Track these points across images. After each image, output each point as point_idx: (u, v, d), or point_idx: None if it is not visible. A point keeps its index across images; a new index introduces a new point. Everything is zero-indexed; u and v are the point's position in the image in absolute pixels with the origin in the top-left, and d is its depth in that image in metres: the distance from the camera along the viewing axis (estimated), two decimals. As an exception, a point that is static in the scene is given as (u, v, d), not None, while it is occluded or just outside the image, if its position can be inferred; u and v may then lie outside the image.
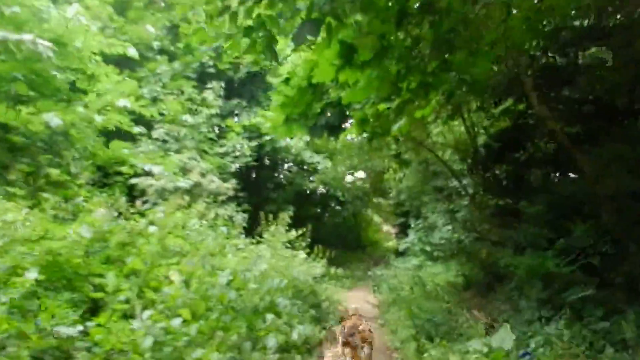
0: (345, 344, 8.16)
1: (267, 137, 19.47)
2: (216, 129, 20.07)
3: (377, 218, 34.69)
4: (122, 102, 11.60)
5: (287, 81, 9.40)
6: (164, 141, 16.72)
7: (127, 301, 5.99)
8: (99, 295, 5.91)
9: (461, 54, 6.54)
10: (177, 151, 16.38)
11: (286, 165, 23.79)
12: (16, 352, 4.24)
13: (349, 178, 24.11)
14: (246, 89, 22.11)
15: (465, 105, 12.65)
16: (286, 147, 20.29)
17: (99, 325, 5.25)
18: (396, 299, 14.21)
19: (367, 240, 32.40)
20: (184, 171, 15.39)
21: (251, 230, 12.82)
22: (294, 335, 8.51)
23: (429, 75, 6.79)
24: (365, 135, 9.91)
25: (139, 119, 14.08)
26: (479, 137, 14.19)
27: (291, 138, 15.22)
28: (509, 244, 11.78)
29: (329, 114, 9.32)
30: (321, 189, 25.56)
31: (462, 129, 14.86)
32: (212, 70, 20.39)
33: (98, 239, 6.95)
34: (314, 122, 9.38)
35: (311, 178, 22.78)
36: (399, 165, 13.60)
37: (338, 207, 27.97)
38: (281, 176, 23.03)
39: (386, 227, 36.78)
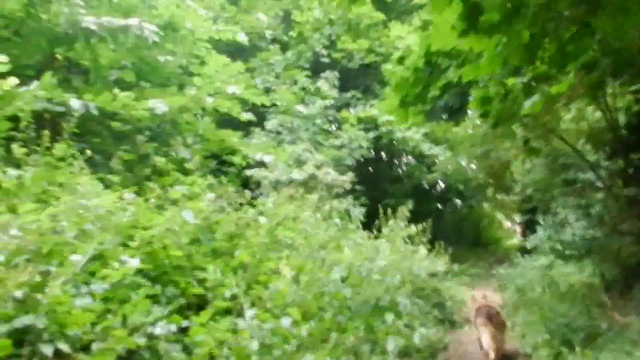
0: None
1: (384, 129, 18.65)
2: (331, 121, 19.44)
3: (498, 215, 33.11)
4: (231, 89, 11.24)
5: (401, 60, 8.55)
6: (278, 132, 16.34)
7: (233, 298, 5.42)
8: (200, 290, 5.36)
9: (608, 12, 5.38)
10: (291, 143, 15.95)
11: (404, 159, 22.83)
12: (102, 350, 3.70)
13: (469, 170, 22.74)
14: (361, 80, 21.41)
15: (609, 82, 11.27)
16: (403, 139, 19.31)
17: (199, 324, 4.70)
18: (525, 300, 12.92)
19: (488, 238, 30.87)
20: (299, 163, 14.90)
21: (369, 224, 12.13)
22: (416, 339, 7.67)
23: (567, 42, 5.72)
24: (487, 120, 8.92)
25: (251, 110, 13.74)
26: (619, 117, 12.70)
27: (407, 126, 14.23)
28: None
29: (448, 96, 8.36)
30: (440, 183, 24.39)
31: (597, 114, 13.47)
32: (326, 60, 19.87)
33: (204, 228, 6.44)
34: (432, 106, 8.43)
35: (431, 170, 21.63)
36: (527, 155, 12.20)
37: (458, 202, 26.68)
38: (399, 169, 22.07)
39: (508, 224, 35.15)
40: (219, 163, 12.24)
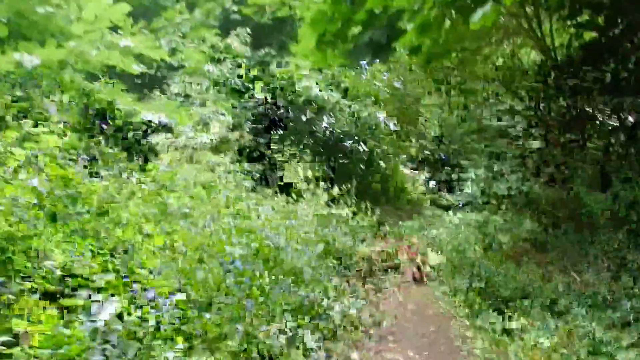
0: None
1: (299, 86, 17.34)
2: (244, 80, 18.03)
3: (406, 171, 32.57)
4: (123, 42, 9.76)
5: (318, -9, 7.35)
6: (186, 96, 14.87)
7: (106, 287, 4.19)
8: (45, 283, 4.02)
9: None
10: (201, 105, 14.52)
11: (325, 120, 21.52)
12: None
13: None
14: (275, 36, 20.04)
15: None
16: (322, 97, 18.09)
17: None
18: (462, 260, 12.01)
19: (406, 195, 30.17)
20: (209, 126, 13.55)
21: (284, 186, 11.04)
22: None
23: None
24: (418, 57, 7.87)
25: (155, 71, 12.30)
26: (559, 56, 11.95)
27: (327, 67, 12.96)
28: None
29: (372, 31, 7.17)
30: (363, 145, 23.39)
31: (532, 56, 12.70)
32: (236, 16, 18.39)
33: (66, 198, 5.04)
34: (355, 43, 7.26)
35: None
36: (462, 97, 11.23)
37: (380, 159, 25.74)
38: (315, 127, 20.71)
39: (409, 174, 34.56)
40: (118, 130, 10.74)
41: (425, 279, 10.47)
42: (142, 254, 5.02)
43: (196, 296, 4.57)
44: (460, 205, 17.47)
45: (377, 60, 6.88)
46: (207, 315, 4.28)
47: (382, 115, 19.89)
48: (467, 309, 8.53)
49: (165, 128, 11.88)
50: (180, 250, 5.28)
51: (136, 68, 10.91)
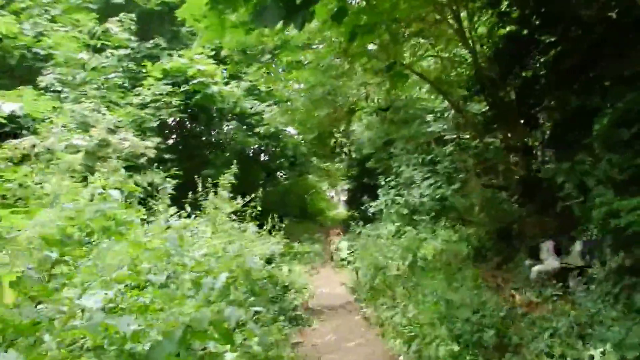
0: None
1: (195, 81, 15.21)
2: (129, 74, 15.63)
3: (323, 184, 31.87)
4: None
5: None
6: (55, 91, 12.44)
7: None
8: None
9: None
10: (74, 101, 12.14)
11: (226, 124, 19.45)
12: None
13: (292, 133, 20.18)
14: (166, 27, 17.80)
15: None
16: (220, 93, 16.02)
17: None
18: (385, 280, 10.40)
19: (314, 209, 28.96)
20: (85, 126, 11.25)
21: (180, 200, 9.05)
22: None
23: None
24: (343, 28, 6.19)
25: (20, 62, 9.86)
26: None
27: (226, 43, 11.00)
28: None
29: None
30: (269, 150, 21.58)
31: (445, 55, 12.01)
32: (119, 0, 16.03)
33: None
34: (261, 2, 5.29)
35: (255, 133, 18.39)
36: (391, 82, 9.58)
37: (285, 172, 24.13)
38: (220, 134, 18.51)
39: (331, 194, 33.96)
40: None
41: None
42: None
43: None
44: (372, 215, 16.10)
45: (292, 24, 4.83)
46: None
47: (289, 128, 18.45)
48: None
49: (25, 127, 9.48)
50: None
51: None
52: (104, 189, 6.73)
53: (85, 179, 8.04)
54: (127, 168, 11.67)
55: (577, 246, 7.93)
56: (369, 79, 12.39)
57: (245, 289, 7.53)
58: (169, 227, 7.21)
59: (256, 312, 7.37)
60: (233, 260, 7.50)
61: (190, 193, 9.37)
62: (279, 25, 4.70)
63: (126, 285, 4.33)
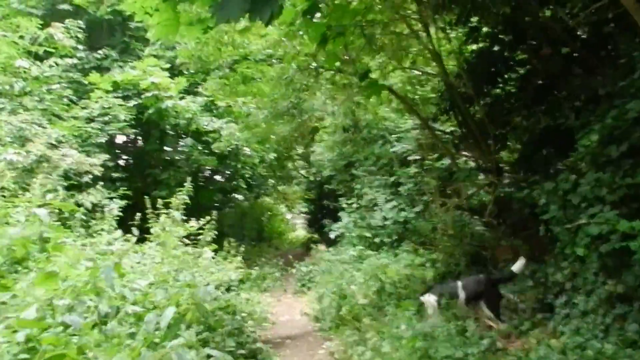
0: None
1: (149, 94, 14.27)
2: (74, 86, 14.60)
3: (280, 207, 31.43)
4: None
5: None
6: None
7: None
8: None
9: None
10: (9, 112, 11.07)
11: (181, 142, 18.46)
12: None
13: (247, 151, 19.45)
14: (118, 37, 16.81)
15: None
16: (175, 107, 15.10)
17: None
18: (352, 309, 9.58)
19: (271, 232, 28.29)
20: (22, 140, 10.24)
21: (126, 221, 8.25)
22: None
23: None
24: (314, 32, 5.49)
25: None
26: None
27: (182, 39, 10.17)
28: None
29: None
30: (226, 170, 20.71)
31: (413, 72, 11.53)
32: (66, 6, 15.02)
33: None
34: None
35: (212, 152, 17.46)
36: (366, 93, 8.85)
37: (242, 193, 23.33)
38: (169, 149, 17.50)
39: (288, 217, 33.51)
40: None
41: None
42: None
43: None
44: (333, 238, 15.60)
45: (258, 18, 3.98)
46: None
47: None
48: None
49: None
50: None
51: None
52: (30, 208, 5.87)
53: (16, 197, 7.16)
54: (69, 187, 10.78)
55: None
56: (335, 93, 11.74)
57: (197, 324, 6.72)
58: (110, 253, 6.39)
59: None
60: (184, 290, 6.69)
61: (139, 214, 8.54)
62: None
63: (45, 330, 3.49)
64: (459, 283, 7.98)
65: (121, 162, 16.40)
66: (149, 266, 7.42)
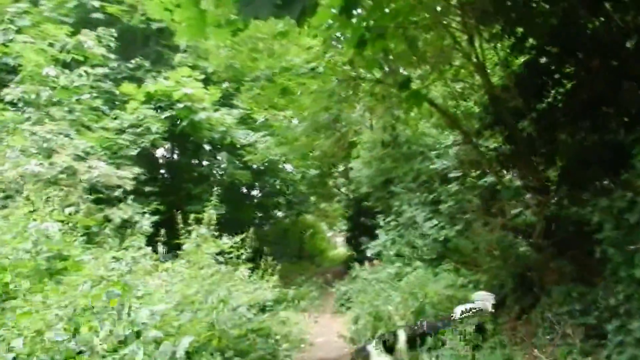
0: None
1: (181, 105, 13.90)
2: (106, 96, 14.33)
3: (322, 224, 31.17)
4: None
5: None
6: (13, 103, 11.10)
7: None
8: None
9: None
10: (36, 122, 10.73)
11: (218, 156, 18.13)
12: None
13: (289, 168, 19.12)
14: (151, 46, 16.62)
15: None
16: (209, 120, 14.68)
17: None
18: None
19: (313, 250, 27.95)
20: (48, 151, 9.91)
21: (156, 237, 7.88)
22: None
23: None
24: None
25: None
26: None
27: (208, 37, 9.73)
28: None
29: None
30: (264, 185, 20.44)
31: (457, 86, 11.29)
32: (99, 15, 14.81)
33: None
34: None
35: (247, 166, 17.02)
36: (408, 103, 8.28)
37: (282, 210, 23.12)
38: (205, 163, 17.07)
39: (329, 234, 33.18)
40: None
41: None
42: None
43: None
44: (370, 256, 14.96)
45: (287, 14, 3.53)
46: None
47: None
48: None
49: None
50: None
51: None
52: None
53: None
54: (97, 200, 10.43)
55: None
56: (374, 105, 11.22)
57: (227, 349, 6.22)
58: (128, 272, 5.93)
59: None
60: (210, 313, 6.21)
61: (166, 230, 8.14)
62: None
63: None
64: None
65: (154, 175, 16.11)
66: (176, 286, 6.98)
